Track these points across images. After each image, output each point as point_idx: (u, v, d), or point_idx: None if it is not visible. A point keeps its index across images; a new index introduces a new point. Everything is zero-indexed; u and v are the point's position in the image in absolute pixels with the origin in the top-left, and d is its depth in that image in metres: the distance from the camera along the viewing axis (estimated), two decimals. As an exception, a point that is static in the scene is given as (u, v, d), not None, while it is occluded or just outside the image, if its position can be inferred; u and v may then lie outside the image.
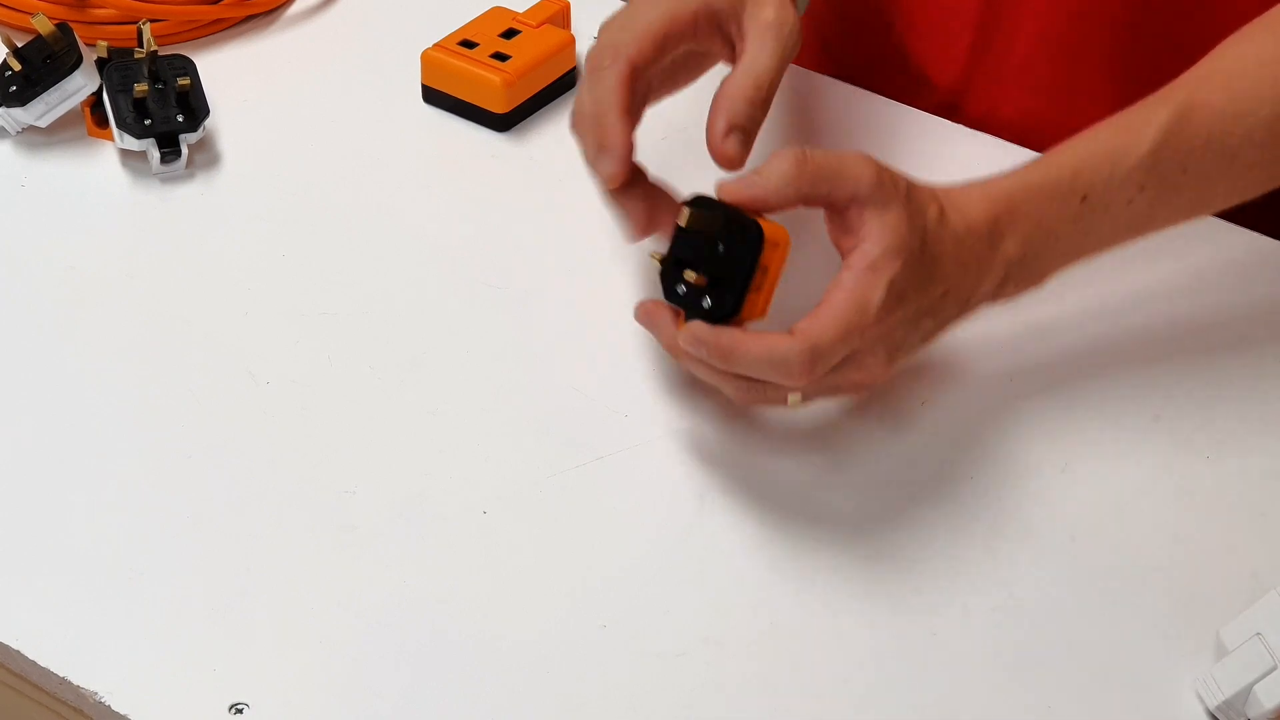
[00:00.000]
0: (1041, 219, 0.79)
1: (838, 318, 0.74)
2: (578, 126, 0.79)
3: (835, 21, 1.13)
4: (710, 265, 0.75)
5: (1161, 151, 0.80)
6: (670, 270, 0.76)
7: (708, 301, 0.75)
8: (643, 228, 0.79)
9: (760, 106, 0.78)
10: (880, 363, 0.77)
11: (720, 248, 0.75)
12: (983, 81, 1.03)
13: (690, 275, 0.75)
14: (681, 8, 0.79)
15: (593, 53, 0.79)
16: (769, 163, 0.75)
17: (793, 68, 1.06)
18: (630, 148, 0.77)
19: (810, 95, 1.03)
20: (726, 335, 0.74)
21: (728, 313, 0.75)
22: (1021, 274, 0.80)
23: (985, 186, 0.79)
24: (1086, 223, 0.80)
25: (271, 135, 0.99)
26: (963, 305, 0.79)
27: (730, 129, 0.77)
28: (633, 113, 0.78)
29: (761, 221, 0.75)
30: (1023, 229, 0.79)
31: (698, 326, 0.75)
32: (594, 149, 0.78)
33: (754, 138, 0.78)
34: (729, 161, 0.78)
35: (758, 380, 0.76)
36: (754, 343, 0.74)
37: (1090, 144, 0.80)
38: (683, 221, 0.75)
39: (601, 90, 0.78)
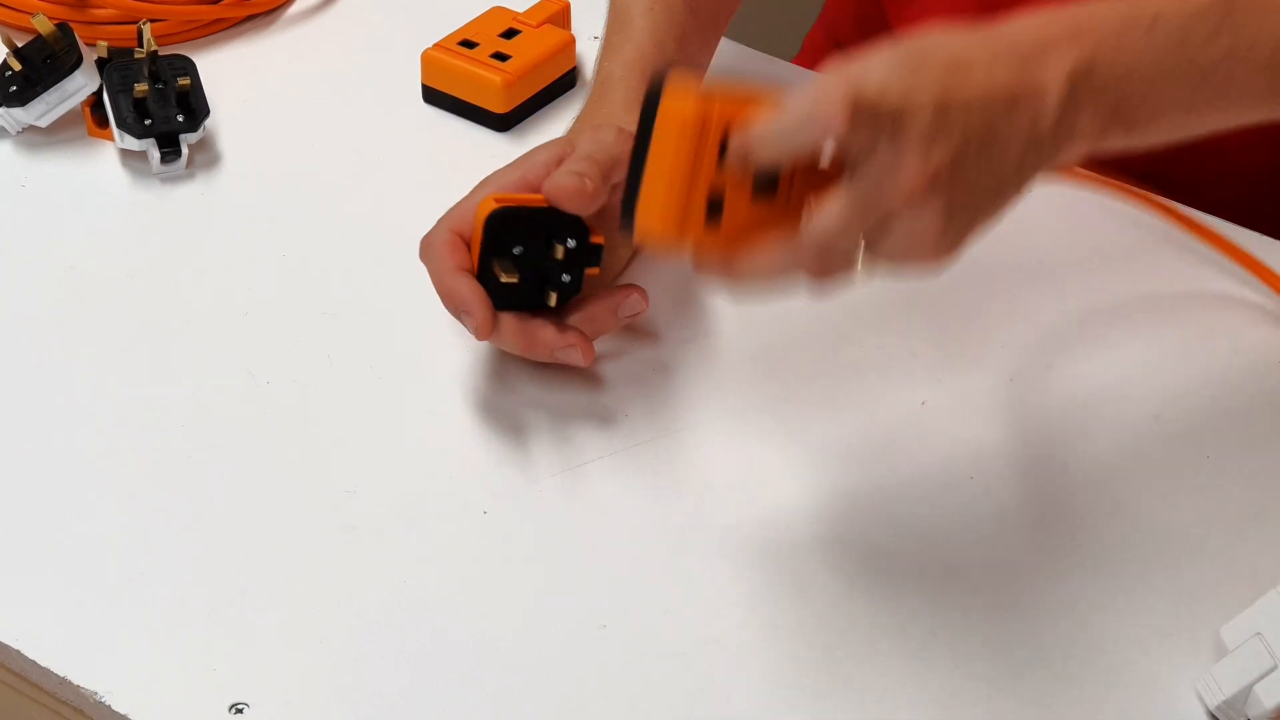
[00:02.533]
0: (1105, 36, 0.69)
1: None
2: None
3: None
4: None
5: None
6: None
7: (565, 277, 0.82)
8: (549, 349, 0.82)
9: (594, 164, 0.81)
10: (935, 214, 0.66)
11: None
12: None
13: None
14: (505, 183, 0.83)
15: (425, 236, 0.83)
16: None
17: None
18: (484, 298, 0.80)
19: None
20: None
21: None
22: (1097, 99, 0.68)
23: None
24: (1163, 56, 0.70)
25: (271, 135, 0.99)
26: (1024, 130, 0.67)
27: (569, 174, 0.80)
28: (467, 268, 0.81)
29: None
30: (1083, 44, 0.68)
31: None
32: (454, 314, 0.81)
33: (600, 191, 0.80)
34: (576, 192, 0.80)
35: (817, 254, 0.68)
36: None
37: None
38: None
39: (436, 261, 0.82)
